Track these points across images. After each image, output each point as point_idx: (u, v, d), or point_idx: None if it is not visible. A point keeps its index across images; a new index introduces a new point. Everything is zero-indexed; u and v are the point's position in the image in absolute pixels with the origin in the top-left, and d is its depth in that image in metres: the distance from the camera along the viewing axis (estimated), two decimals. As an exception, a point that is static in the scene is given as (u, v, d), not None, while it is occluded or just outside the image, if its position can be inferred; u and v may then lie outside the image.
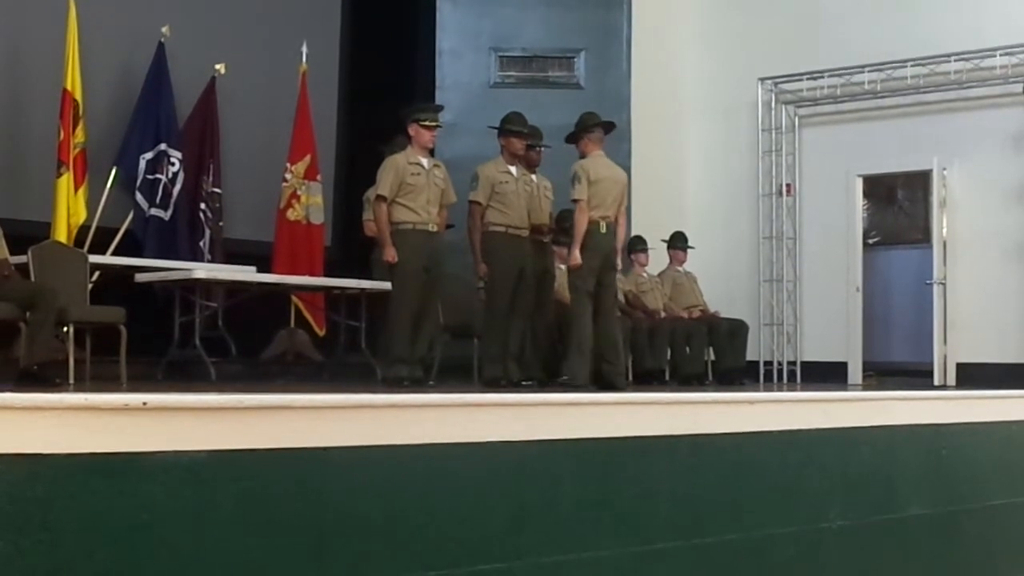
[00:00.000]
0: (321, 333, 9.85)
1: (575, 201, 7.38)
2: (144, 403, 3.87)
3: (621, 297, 9.37)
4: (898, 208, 13.39)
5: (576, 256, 7.30)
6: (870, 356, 11.41)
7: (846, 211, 11.51)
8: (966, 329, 10.70)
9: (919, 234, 12.44)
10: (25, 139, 8.98)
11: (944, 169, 10.90)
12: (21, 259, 6.92)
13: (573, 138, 7.65)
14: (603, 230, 7.40)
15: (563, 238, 8.77)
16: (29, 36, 8.97)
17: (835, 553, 6.41)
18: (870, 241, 12.34)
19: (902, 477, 6.96)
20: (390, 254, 7.03)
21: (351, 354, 8.85)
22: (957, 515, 7.24)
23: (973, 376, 10.25)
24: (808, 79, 11.55)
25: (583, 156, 7.56)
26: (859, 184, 11.57)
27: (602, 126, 7.64)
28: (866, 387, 10.26)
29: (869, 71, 11.15)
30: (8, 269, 6.55)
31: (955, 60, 10.73)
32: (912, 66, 10.92)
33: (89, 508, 3.72)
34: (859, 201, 11.64)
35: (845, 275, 11.42)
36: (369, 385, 7.24)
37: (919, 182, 12.19)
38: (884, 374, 11.23)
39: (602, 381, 7.26)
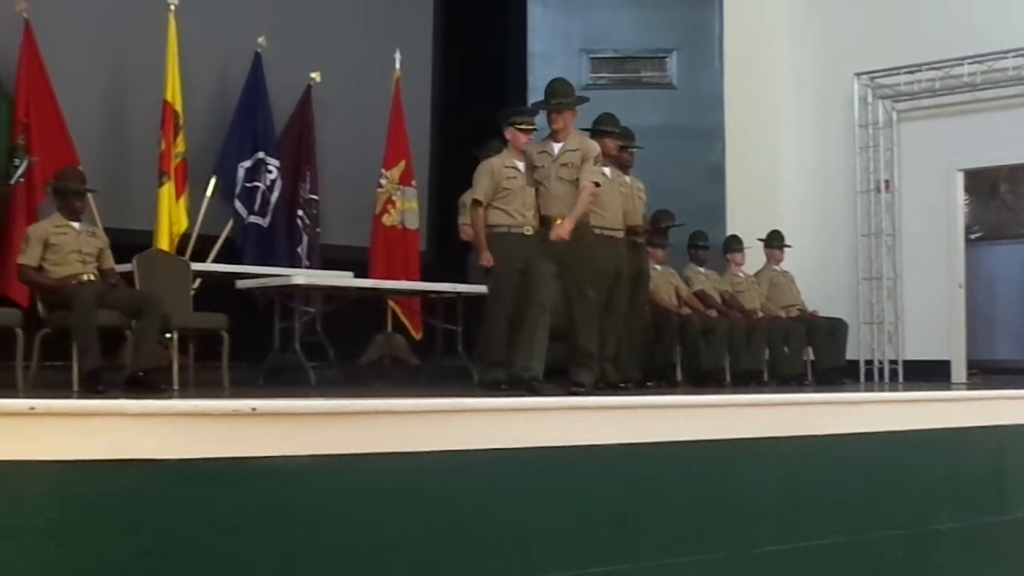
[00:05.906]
0: (418, 337, 9.90)
1: (598, 185, 6.88)
2: (253, 409, 3.93)
3: (717, 296, 9.31)
4: (1001, 202, 13.11)
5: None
6: (973, 354, 11.16)
7: (947, 206, 11.25)
8: (1074, 325, 10.43)
9: (1023, 228, 12.17)
10: (128, 150, 9.17)
11: (1048, 161, 10.63)
12: (126, 268, 7.09)
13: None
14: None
15: (658, 239, 8.76)
16: (131, 50, 9.15)
17: (945, 556, 6.28)
18: (972, 236, 12.09)
19: (1012, 478, 6.80)
20: (486, 258, 7.03)
21: (448, 357, 8.88)
22: (1070, 516, 7.06)
23: (1082, 374, 9.97)
24: (905, 73, 11.32)
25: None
26: (960, 178, 11.30)
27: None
28: (971, 386, 10.03)
29: (968, 63, 10.89)
30: (115, 278, 6.72)
31: (1058, 49, 10.46)
32: (1013, 57, 10.65)
33: (201, 512, 3.79)
34: (960, 195, 11.38)
35: (947, 271, 11.17)
36: (466, 389, 7.25)
37: (1022, 175, 11.91)
38: (988, 373, 10.97)
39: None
